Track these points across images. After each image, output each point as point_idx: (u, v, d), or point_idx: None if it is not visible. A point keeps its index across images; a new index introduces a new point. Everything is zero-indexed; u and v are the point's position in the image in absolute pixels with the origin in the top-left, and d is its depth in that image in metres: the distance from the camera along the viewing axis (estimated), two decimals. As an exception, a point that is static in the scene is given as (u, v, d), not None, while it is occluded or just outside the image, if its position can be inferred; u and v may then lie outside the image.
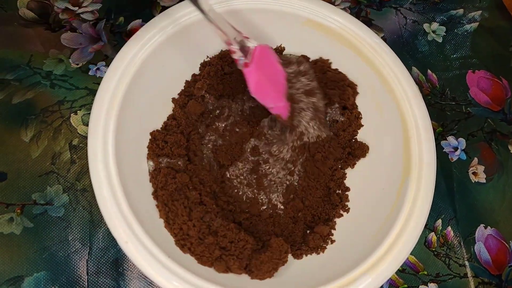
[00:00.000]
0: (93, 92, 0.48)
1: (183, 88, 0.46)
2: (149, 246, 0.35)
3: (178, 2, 0.51)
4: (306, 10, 0.46)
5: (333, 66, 0.48)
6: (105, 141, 0.37)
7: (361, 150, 0.45)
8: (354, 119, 0.46)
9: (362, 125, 0.47)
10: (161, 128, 0.44)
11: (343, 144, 0.46)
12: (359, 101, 0.47)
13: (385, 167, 0.44)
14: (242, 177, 0.45)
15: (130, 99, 0.40)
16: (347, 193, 0.45)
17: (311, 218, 0.44)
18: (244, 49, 0.39)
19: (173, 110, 0.45)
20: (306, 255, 0.41)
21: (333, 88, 0.46)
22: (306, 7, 0.46)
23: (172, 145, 0.42)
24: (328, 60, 0.48)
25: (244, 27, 0.46)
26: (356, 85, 0.47)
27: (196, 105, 0.44)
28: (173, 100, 0.45)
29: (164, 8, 0.53)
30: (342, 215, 0.44)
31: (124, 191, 0.36)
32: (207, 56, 0.47)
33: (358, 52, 0.46)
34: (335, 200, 0.44)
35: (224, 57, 0.47)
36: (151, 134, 0.43)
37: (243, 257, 0.38)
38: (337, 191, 0.45)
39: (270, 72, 0.41)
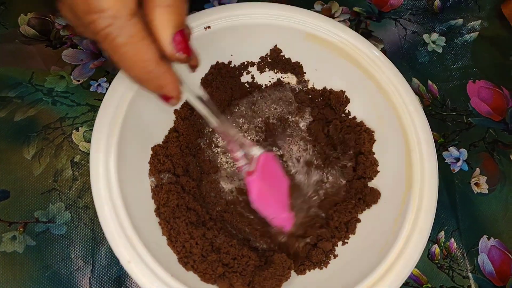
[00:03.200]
0: (94, 108, 0.48)
1: (185, 101, 0.46)
2: (151, 265, 0.35)
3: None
4: (307, 24, 0.46)
5: (334, 80, 0.48)
6: (107, 160, 0.38)
7: (373, 196, 0.44)
8: (369, 166, 0.45)
9: (378, 171, 0.45)
10: (162, 142, 0.44)
11: (355, 191, 0.45)
12: (360, 114, 0.47)
13: (387, 181, 0.44)
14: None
15: (132, 115, 0.40)
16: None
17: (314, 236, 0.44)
18: (248, 157, 0.39)
19: (174, 123, 0.45)
20: (310, 270, 0.41)
21: (348, 133, 0.47)
22: (306, 21, 0.46)
23: (172, 157, 0.42)
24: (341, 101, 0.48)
25: (246, 42, 0.47)
26: (373, 132, 0.47)
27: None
28: (175, 112, 0.46)
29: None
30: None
31: (126, 209, 0.36)
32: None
33: (359, 66, 0.46)
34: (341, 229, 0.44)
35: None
36: (152, 149, 0.43)
37: (246, 273, 0.38)
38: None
39: (274, 181, 0.41)
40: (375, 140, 0.46)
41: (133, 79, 0.29)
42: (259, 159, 0.39)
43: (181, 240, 0.38)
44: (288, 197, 0.43)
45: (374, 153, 0.46)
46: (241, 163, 0.39)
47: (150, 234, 0.38)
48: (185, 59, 0.30)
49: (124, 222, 0.36)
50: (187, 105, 0.46)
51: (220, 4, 0.56)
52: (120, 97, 0.40)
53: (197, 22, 0.44)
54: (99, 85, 0.49)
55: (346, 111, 0.48)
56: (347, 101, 0.48)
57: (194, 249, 0.38)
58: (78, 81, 0.49)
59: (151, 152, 0.43)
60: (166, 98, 0.32)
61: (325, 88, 0.49)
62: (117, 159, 0.38)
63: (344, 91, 0.48)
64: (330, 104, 0.48)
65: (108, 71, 0.50)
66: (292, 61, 0.49)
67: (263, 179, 0.40)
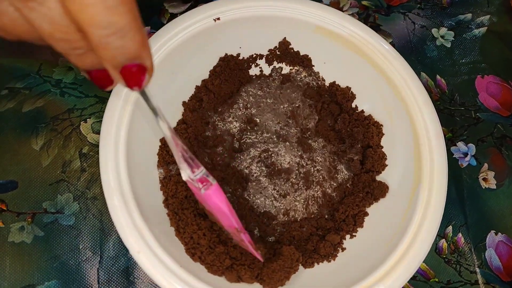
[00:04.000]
0: (102, 100, 0.48)
1: (193, 93, 0.46)
2: (160, 255, 0.35)
3: (185, 9, 0.52)
4: (316, 17, 0.46)
5: (343, 73, 0.48)
6: (116, 150, 0.38)
7: (380, 190, 0.43)
8: (378, 159, 0.45)
9: (386, 165, 0.45)
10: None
11: (363, 184, 0.45)
12: (368, 108, 0.47)
13: (396, 175, 0.44)
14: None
15: (140, 107, 0.40)
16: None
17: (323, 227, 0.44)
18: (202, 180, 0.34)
19: (182, 115, 0.45)
20: (318, 263, 0.41)
21: (357, 126, 0.47)
22: (316, 14, 0.46)
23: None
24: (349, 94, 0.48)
25: (255, 35, 0.47)
26: (382, 125, 0.46)
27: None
28: (184, 104, 0.45)
29: (173, 15, 0.53)
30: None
31: (136, 200, 0.36)
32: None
33: (368, 59, 0.45)
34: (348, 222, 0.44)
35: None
36: (160, 140, 0.43)
37: (254, 266, 0.38)
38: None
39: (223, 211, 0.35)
40: (383, 134, 0.46)
41: (101, 33, 0.22)
42: (212, 186, 0.34)
43: (189, 231, 0.38)
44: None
45: (382, 147, 0.46)
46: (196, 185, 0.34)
47: (159, 225, 0.38)
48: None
49: (133, 213, 0.36)
50: (195, 98, 0.46)
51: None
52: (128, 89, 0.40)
53: (207, 13, 0.44)
54: (107, 76, 0.49)
55: (354, 106, 0.48)
56: (353, 96, 0.48)
57: (201, 240, 0.38)
58: (86, 72, 0.49)
59: (160, 143, 0.43)
60: (137, 74, 0.24)
61: (332, 84, 0.49)
62: (126, 150, 0.38)
63: (350, 87, 0.48)
64: (336, 100, 0.48)
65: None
66: (301, 54, 0.49)
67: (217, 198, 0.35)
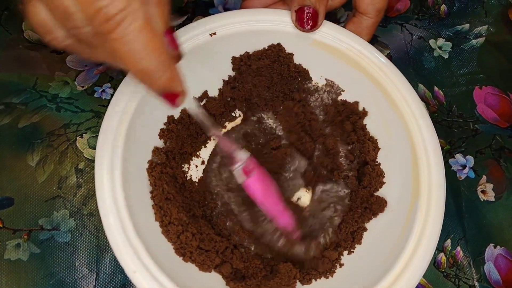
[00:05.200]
0: (98, 115, 0.48)
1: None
2: (157, 275, 0.35)
3: (182, 22, 0.52)
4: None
5: (340, 87, 0.48)
6: (112, 168, 0.37)
7: (379, 205, 0.43)
8: (375, 177, 0.44)
9: (384, 183, 0.45)
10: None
11: (361, 200, 0.44)
12: (366, 121, 0.47)
13: (394, 189, 0.44)
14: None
15: (137, 123, 0.40)
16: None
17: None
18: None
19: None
20: (316, 280, 0.41)
21: (353, 142, 0.47)
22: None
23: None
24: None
25: (252, 48, 0.46)
26: (377, 139, 0.46)
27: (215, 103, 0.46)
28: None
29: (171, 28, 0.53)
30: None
31: (131, 218, 0.36)
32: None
33: (365, 73, 0.45)
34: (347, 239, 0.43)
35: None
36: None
37: (252, 283, 0.38)
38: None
39: (267, 183, 0.42)
40: (379, 148, 0.46)
41: (142, 74, 0.28)
42: (251, 162, 0.40)
43: (190, 251, 0.38)
44: (281, 198, 0.43)
45: (379, 164, 0.45)
46: (239, 163, 0.40)
47: (155, 243, 0.37)
48: (177, 56, 0.31)
49: (129, 231, 0.35)
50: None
51: (225, 9, 0.56)
52: (125, 104, 0.40)
53: (203, 28, 0.44)
54: (103, 91, 0.49)
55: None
56: (365, 113, 0.48)
57: (199, 258, 0.38)
58: (82, 87, 0.49)
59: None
60: (172, 97, 0.31)
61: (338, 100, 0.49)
62: (122, 168, 0.38)
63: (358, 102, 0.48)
64: (349, 119, 0.48)
65: (112, 76, 0.50)
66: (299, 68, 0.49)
67: (260, 180, 0.41)
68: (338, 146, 0.47)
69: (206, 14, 0.49)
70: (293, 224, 0.43)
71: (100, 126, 0.38)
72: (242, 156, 0.40)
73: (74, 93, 0.48)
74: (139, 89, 0.40)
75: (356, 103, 0.47)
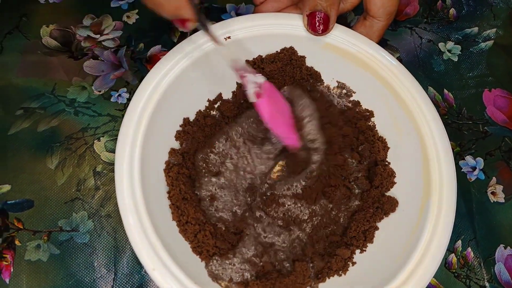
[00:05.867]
0: (115, 119, 0.49)
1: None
2: (175, 272, 0.36)
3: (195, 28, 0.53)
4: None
5: (352, 89, 0.49)
6: (131, 170, 0.38)
7: (390, 204, 0.43)
8: (386, 177, 0.45)
9: (395, 183, 0.45)
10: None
11: (372, 199, 0.45)
12: (377, 123, 0.48)
13: (405, 190, 0.44)
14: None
15: (154, 125, 0.41)
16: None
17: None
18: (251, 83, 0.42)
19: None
20: (329, 277, 0.41)
21: (362, 143, 0.47)
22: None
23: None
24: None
25: (264, 51, 0.47)
26: (386, 139, 0.47)
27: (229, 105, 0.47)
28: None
29: (183, 33, 0.54)
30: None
31: (150, 217, 0.37)
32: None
33: (376, 75, 0.46)
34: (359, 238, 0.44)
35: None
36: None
37: (267, 281, 0.39)
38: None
39: (279, 106, 0.43)
40: (389, 148, 0.47)
41: (153, 3, 0.34)
42: (265, 84, 0.41)
43: (207, 249, 0.39)
44: (292, 120, 0.44)
45: (389, 163, 0.46)
46: (251, 85, 0.41)
47: (174, 241, 0.38)
48: None
49: (148, 230, 0.36)
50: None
51: (237, 15, 0.57)
52: (142, 108, 0.41)
53: (217, 32, 0.45)
54: (119, 95, 0.50)
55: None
56: (371, 114, 0.48)
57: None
58: (99, 91, 0.50)
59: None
60: (182, 22, 0.36)
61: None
62: (140, 169, 0.39)
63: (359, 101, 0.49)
64: (356, 124, 0.48)
65: (128, 81, 0.51)
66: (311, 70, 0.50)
67: (271, 101, 0.42)
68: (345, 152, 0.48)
69: (218, 19, 0.50)
70: (299, 145, 0.43)
71: (116, 130, 0.40)
72: (256, 79, 0.41)
73: (91, 97, 0.50)
74: (155, 94, 0.41)
75: (358, 102, 0.49)
